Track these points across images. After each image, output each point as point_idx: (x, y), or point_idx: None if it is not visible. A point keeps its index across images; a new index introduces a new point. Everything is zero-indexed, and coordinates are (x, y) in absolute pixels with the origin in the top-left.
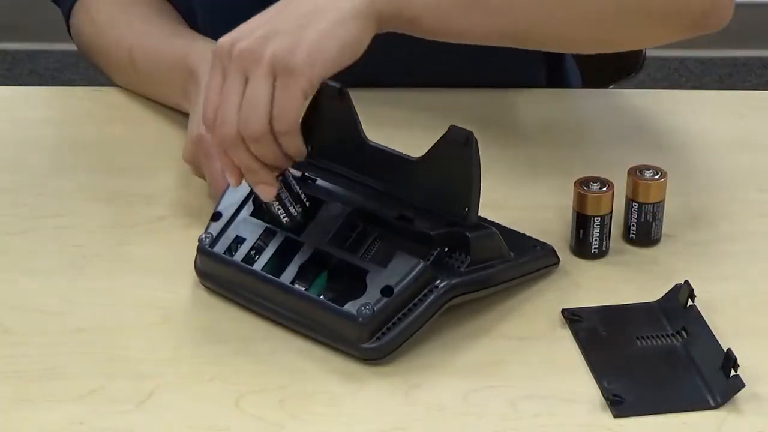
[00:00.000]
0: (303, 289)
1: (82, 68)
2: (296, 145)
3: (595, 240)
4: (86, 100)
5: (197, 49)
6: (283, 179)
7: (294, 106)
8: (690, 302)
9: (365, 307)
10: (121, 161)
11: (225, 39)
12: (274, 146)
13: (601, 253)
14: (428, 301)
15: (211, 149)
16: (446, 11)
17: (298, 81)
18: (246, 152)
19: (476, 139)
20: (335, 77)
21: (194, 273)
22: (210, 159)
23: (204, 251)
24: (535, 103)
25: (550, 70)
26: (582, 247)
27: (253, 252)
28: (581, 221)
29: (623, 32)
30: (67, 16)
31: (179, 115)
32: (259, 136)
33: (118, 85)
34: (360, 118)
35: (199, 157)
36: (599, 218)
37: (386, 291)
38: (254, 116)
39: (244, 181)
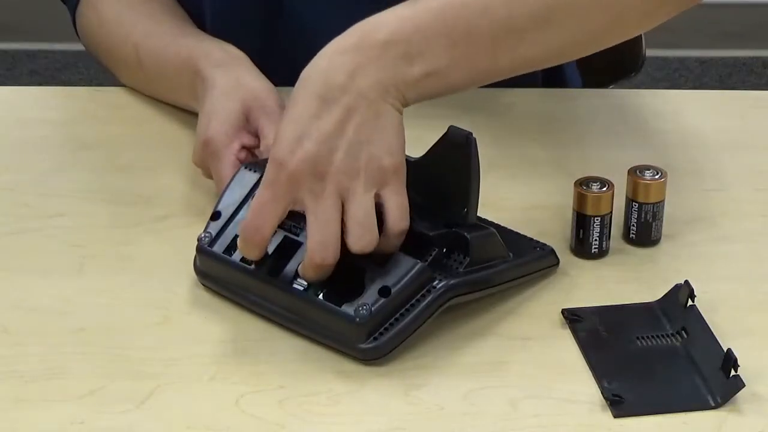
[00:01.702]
0: (301, 288)
1: (82, 68)
2: (399, 244)
3: (595, 240)
4: (86, 100)
5: (204, 48)
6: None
7: (406, 203)
8: (690, 302)
9: (363, 308)
10: (121, 161)
11: (285, 161)
12: None
13: (601, 253)
14: (426, 301)
15: (219, 152)
16: (471, 61)
17: (401, 179)
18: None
19: (475, 140)
20: None
21: (194, 273)
22: (218, 161)
23: (203, 251)
24: (534, 103)
25: (546, 69)
26: (582, 247)
27: None
28: (581, 221)
29: (642, 20)
30: (73, 14)
31: (180, 114)
32: (371, 247)
33: (118, 85)
34: None
35: (207, 160)
36: (599, 218)
37: (384, 291)
38: (369, 233)
39: (242, 182)
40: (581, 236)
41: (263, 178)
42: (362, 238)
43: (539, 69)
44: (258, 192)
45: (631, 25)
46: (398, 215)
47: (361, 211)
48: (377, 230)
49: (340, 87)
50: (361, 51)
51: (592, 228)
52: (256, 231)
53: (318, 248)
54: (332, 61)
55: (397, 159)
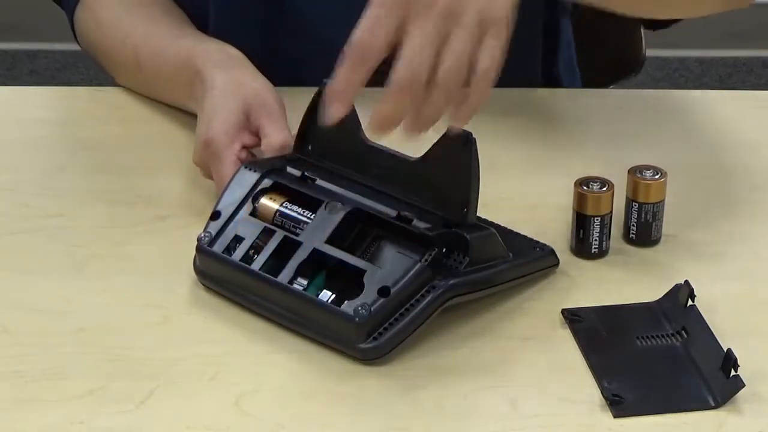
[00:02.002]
0: (301, 288)
1: (82, 68)
2: (483, 100)
3: (595, 240)
4: (86, 100)
5: (203, 49)
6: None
7: (501, 58)
8: (690, 302)
9: (362, 308)
10: (121, 161)
11: None
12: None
13: (601, 253)
14: (425, 301)
15: (221, 152)
16: None
17: (503, 35)
18: (419, 99)
19: (475, 139)
20: None
21: (194, 273)
22: (219, 161)
23: (203, 250)
24: (534, 103)
25: (545, 68)
26: (582, 247)
27: (251, 251)
28: (581, 221)
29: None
30: (71, 16)
31: (180, 115)
32: (458, 86)
33: (118, 85)
34: (360, 118)
35: (208, 160)
36: (599, 218)
37: (383, 291)
38: (459, 70)
39: (242, 182)
40: (581, 236)
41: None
42: (451, 71)
43: (638, 11)
44: (369, 9)
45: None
46: (488, 63)
47: (459, 47)
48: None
49: None
50: None
51: (592, 228)
52: (368, 47)
53: (408, 68)
54: None
55: (504, 15)
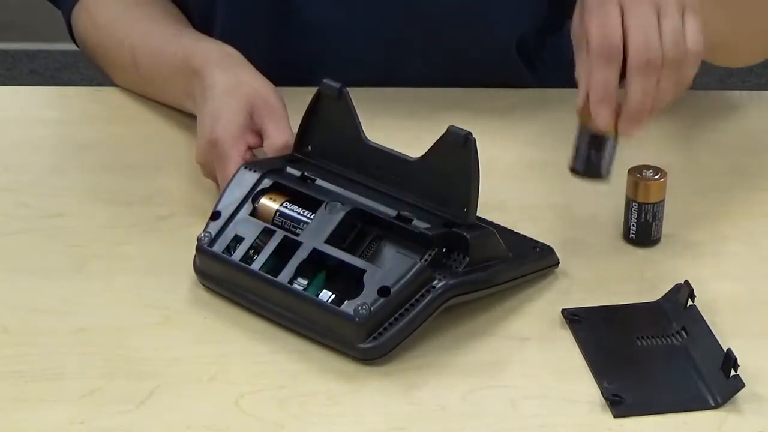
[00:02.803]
0: (301, 288)
1: (82, 68)
2: (693, 73)
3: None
4: (86, 100)
5: (202, 48)
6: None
7: (701, 35)
8: (690, 302)
9: (362, 308)
10: (121, 161)
11: None
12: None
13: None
14: (425, 301)
15: (226, 153)
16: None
17: (699, 12)
18: (649, 83)
19: (475, 140)
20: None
21: (194, 273)
22: (225, 162)
23: (202, 250)
24: (534, 103)
25: (531, 70)
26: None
27: (251, 251)
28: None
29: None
30: (68, 16)
31: (180, 115)
32: (681, 60)
33: (118, 85)
34: (359, 118)
35: (212, 160)
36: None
37: (383, 291)
38: (680, 42)
39: (242, 182)
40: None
41: (586, 15)
42: (677, 44)
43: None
44: (590, 21)
45: None
46: (697, 35)
47: (675, 24)
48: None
49: None
50: None
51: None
52: (613, 45)
53: (642, 50)
54: None
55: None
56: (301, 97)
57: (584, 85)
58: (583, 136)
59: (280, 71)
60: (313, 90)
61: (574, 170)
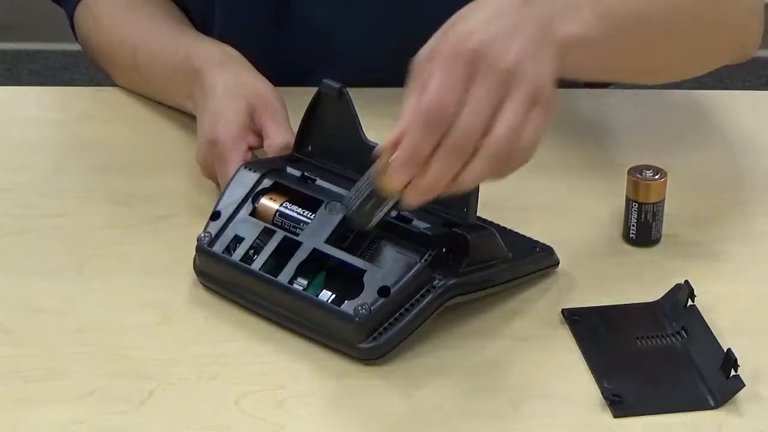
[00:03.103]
0: (301, 288)
1: (82, 68)
2: (514, 170)
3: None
4: (86, 100)
5: (202, 49)
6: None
7: (542, 135)
8: (690, 302)
9: (362, 308)
10: (121, 161)
11: (471, 39)
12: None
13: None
14: (425, 301)
15: (227, 153)
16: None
17: (551, 112)
18: (456, 166)
19: None
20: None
21: (194, 273)
22: (226, 162)
23: (203, 250)
24: None
25: None
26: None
27: (251, 251)
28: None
29: (702, 62)
30: (71, 16)
31: (180, 115)
32: (502, 158)
33: (118, 85)
34: (360, 118)
35: (213, 160)
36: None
37: (383, 291)
38: (511, 139)
39: (242, 182)
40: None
41: (434, 65)
42: (506, 139)
43: (641, 81)
44: (434, 75)
45: (713, 56)
46: (531, 136)
47: (515, 116)
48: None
49: (510, 9)
50: None
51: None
52: (442, 115)
53: (463, 134)
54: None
55: (555, 91)
56: (301, 98)
57: (398, 131)
58: (370, 182)
59: (279, 73)
60: (313, 90)
61: (346, 215)
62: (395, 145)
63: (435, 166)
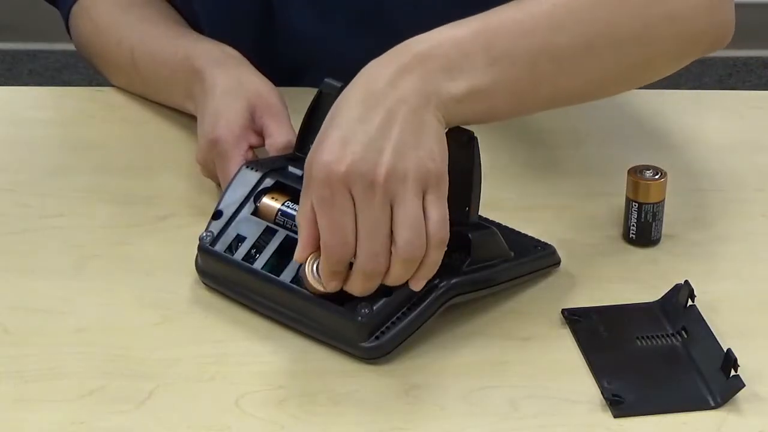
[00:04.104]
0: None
1: (82, 68)
2: (441, 257)
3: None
4: (86, 100)
5: (202, 49)
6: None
7: (445, 209)
8: (690, 302)
9: (364, 307)
10: (121, 161)
11: (334, 164)
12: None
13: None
14: (428, 300)
15: (228, 152)
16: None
17: (443, 187)
18: (375, 281)
19: (477, 139)
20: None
21: (194, 273)
22: (226, 161)
23: (204, 249)
24: None
25: None
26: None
27: (253, 251)
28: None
29: (671, 62)
30: (66, 17)
31: (179, 115)
32: (420, 254)
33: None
34: None
35: (214, 160)
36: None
37: (385, 290)
38: (419, 238)
39: (243, 181)
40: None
41: (310, 196)
42: (412, 244)
43: (575, 104)
44: (321, 213)
45: (661, 65)
46: (439, 224)
47: (412, 214)
48: (425, 238)
49: (381, 92)
50: (401, 63)
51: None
52: (342, 245)
53: (369, 257)
54: (372, 71)
55: (441, 166)
56: (302, 97)
57: (304, 240)
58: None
59: (267, 77)
60: (308, 89)
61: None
62: (310, 254)
63: (355, 284)
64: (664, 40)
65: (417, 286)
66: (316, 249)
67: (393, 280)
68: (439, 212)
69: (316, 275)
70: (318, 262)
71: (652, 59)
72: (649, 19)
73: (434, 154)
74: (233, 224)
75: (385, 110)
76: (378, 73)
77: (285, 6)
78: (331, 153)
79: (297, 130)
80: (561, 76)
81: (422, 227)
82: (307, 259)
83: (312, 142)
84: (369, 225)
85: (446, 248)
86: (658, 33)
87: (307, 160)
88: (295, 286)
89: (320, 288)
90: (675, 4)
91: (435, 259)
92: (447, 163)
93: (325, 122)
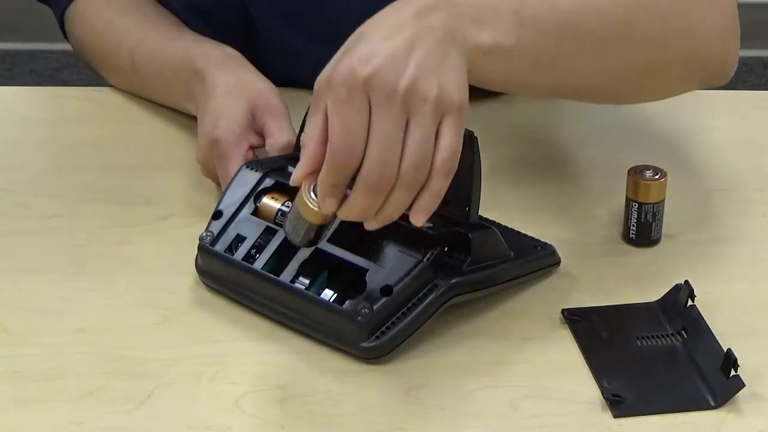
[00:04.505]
0: (303, 288)
1: (82, 68)
2: (445, 187)
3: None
4: (86, 100)
5: (202, 49)
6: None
7: (459, 144)
8: (690, 302)
9: (364, 307)
10: (121, 161)
11: (358, 68)
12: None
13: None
14: (428, 300)
15: (228, 152)
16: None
17: (461, 119)
18: (377, 200)
19: (477, 139)
20: None
21: (194, 273)
22: (226, 161)
23: (205, 249)
24: (535, 103)
25: None
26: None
27: (253, 250)
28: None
29: (678, 85)
30: (60, 16)
31: (179, 115)
32: (421, 181)
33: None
34: None
35: (213, 159)
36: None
37: (386, 290)
38: (424, 164)
39: (243, 181)
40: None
41: (326, 98)
42: (417, 168)
43: (582, 98)
44: (334, 112)
45: (668, 78)
46: (450, 153)
47: (423, 138)
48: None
49: (410, 19)
50: (429, 1)
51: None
52: (350, 152)
53: (376, 167)
54: (398, 5)
55: (464, 97)
56: (302, 98)
57: (308, 157)
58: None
59: None
60: (308, 89)
61: (290, 240)
62: (309, 174)
63: (351, 203)
64: (677, 51)
65: (418, 219)
66: (317, 171)
67: (392, 205)
68: (452, 140)
69: (312, 197)
70: (315, 185)
71: (662, 68)
72: (669, 27)
73: (459, 83)
74: (233, 224)
75: (413, 33)
76: (405, 6)
77: (264, 18)
78: (356, 58)
79: (297, 130)
80: (578, 58)
81: (430, 155)
82: (306, 173)
83: None
84: (381, 134)
85: (445, 203)
86: (674, 43)
87: (320, 76)
88: (294, 286)
89: (314, 208)
90: (694, 22)
91: (439, 188)
92: (468, 98)
93: (345, 43)
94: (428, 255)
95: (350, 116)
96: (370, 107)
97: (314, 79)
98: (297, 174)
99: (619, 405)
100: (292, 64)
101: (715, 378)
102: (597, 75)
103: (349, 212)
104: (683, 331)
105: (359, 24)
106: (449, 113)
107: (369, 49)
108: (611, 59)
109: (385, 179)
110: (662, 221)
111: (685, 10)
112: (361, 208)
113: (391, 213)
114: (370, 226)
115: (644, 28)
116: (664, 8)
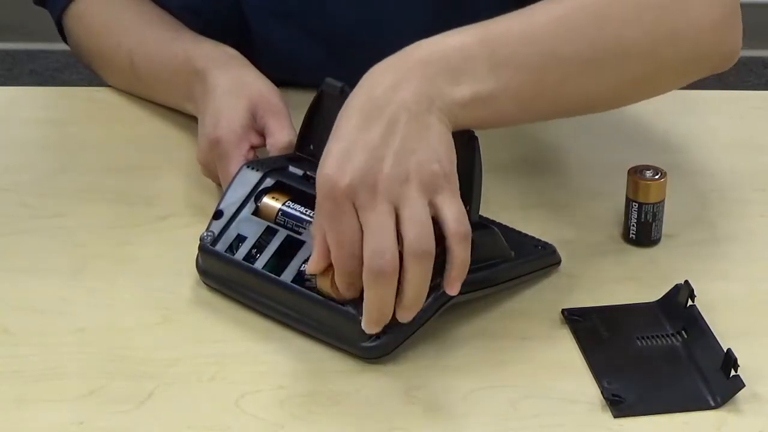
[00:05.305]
0: (303, 288)
1: (82, 68)
2: (468, 253)
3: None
4: (86, 100)
5: (202, 50)
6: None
7: (461, 207)
8: (690, 302)
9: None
10: (121, 161)
11: (336, 178)
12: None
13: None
14: (428, 300)
15: (229, 152)
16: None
17: (453, 184)
18: (391, 289)
19: (478, 139)
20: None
21: (195, 273)
22: (227, 161)
23: (205, 249)
24: None
25: None
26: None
27: (254, 250)
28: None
29: (675, 80)
30: (57, 17)
31: (179, 115)
32: (431, 251)
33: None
34: None
35: (214, 159)
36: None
37: None
38: (426, 233)
39: (244, 181)
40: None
41: (319, 210)
42: (420, 239)
43: (580, 115)
44: (327, 228)
45: (664, 82)
46: (457, 220)
47: (416, 212)
48: (434, 234)
49: (383, 99)
50: (402, 67)
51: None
52: (350, 257)
53: (373, 256)
54: (374, 77)
55: (447, 166)
56: (303, 97)
57: (317, 254)
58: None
59: None
60: (308, 89)
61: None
62: (322, 268)
63: (370, 296)
64: (667, 57)
65: (452, 289)
66: (330, 261)
67: (412, 281)
68: (454, 209)
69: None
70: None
71: (655, 75)
72: (655, 36)
73: (439, 155)
74: (234, 224)
75: (386, 118)
76: (379, 80)
77: (258, 19)
78: (333, 166)
79: (298, 129)
80: (565, 85)
81: (429, 222)
82: (318, 271)
83: (313, 142)
84: (371, 226)
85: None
86: (662, 50)
87: (317, 175)
88: (295, 285)
89: (334, 295)
90: (680, 25)
91: (462, 257)
92: (455, 163)
93: (331, 134)
94: None
95: (340, 227)
96: (356, 210)
97: (308, 79)
98: (310, 268)
99: (619, 405)
100: (286, 64)
101: (715, 378)
102: (589, 95)
103: (372, 308)
104: (683, 331)
105: (351, 25)
106: (438, 187)
107: (345, 148)
108: (600, 78)
109: (386, 263)
110: (662, 221)
111: (668, 13)
112: (379, 300)
113: (414, 291)
114: (403, 317)
115: (629, 41)
116: (647, 18)
